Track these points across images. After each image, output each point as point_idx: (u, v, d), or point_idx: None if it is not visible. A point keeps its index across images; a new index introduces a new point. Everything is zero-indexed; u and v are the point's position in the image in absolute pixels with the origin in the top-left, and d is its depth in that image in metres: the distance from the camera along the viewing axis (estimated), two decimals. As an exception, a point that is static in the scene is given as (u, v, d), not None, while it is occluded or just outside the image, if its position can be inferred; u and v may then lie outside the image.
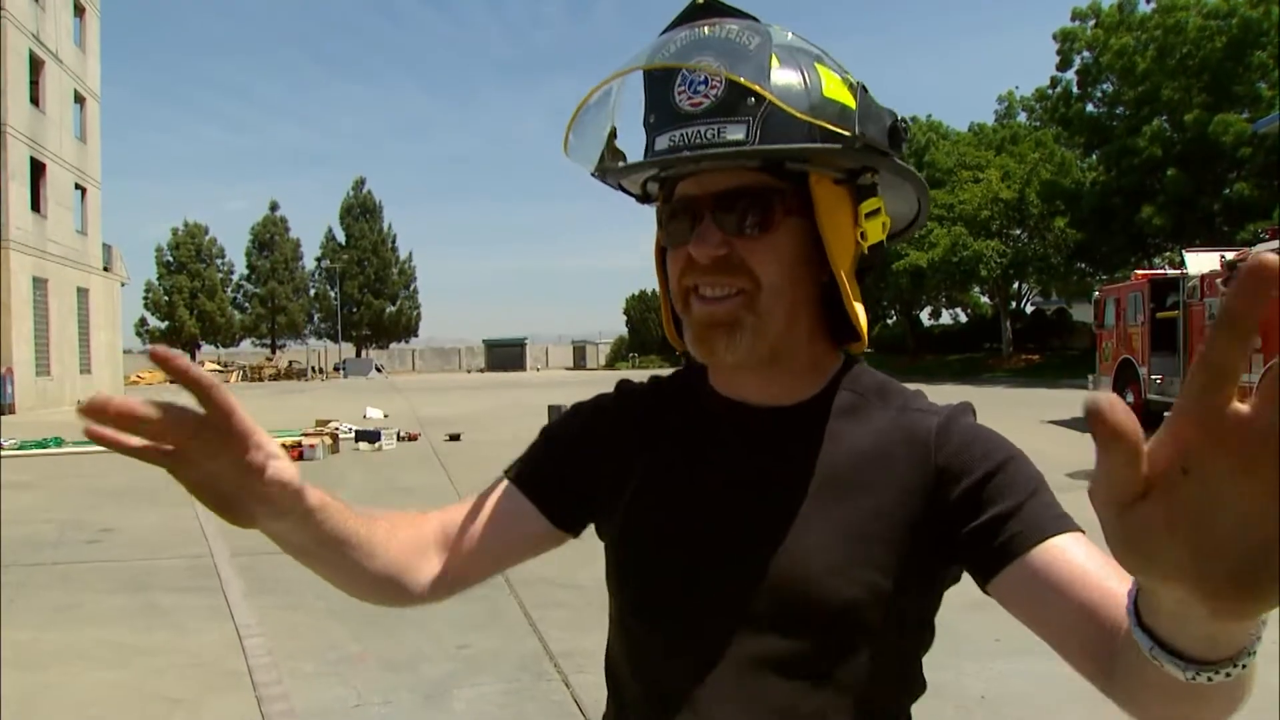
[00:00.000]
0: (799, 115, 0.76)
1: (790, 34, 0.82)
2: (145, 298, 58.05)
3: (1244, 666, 0.52)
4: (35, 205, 25.06)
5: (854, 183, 0.84)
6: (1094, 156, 30.99)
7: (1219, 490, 0.39)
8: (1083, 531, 0.76)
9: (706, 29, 0.79)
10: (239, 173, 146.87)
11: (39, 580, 5.84)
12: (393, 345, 65.20)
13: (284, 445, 12.64)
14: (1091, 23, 30.19)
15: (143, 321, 58.40)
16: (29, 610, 5.15)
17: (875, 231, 0.84)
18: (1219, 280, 11.59)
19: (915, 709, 0.91)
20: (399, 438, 14.03)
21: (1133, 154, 27.54)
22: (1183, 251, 14.01)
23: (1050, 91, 33.20)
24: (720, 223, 0.80)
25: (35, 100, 25.23)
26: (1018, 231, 33.73)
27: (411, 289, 64.76)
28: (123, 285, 33.05)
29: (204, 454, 0.68)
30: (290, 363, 55.61)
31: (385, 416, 18.39)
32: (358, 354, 61.64)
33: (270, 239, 61.63)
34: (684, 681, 0.83)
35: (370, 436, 13.55)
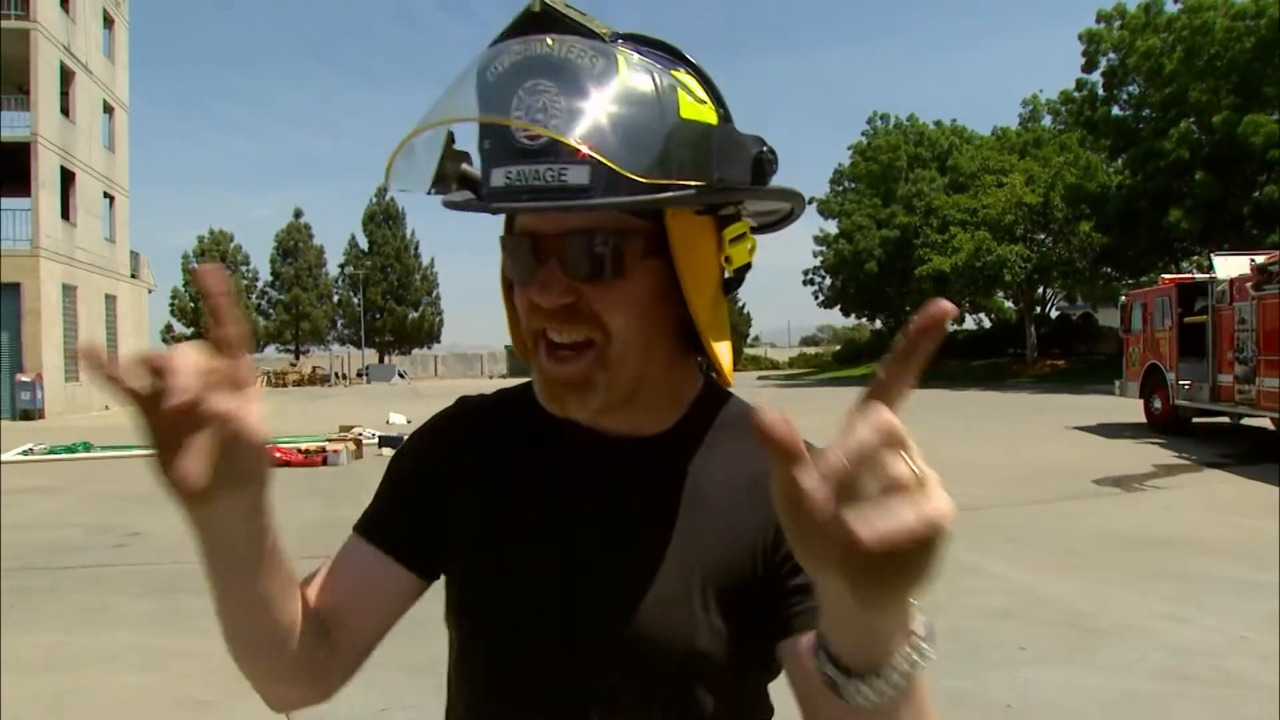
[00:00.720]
0: (640, 179, 0.67)
1: (641, 49, 0.73)
2: (171, 304, 58.80)
3: (893, 686, 0.54)
4: (65, 214, 25.47)
5: (716, 209, 0.78)
6: (1120, 160, 30.64)
7: (881, 490, 0.44)
8: None
9: (549, 43, 0.69)
10: (263, 181, 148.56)
11: (68, 584, 5.92)
12: (415, 351, 65.56)
13: (308, 450, 12.74)
14: (1117, 24, 29.88)
15: (169, 328, 59.09)
16: (59, 613, 5.22)
17: (741, 255, 0.80)
18: (1248, 284, 11.42)
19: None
20: (421, 443, 14.10)
21: (1160, 156, 27.21)
22: (1211, 255, 13.82)
23: (1076, 94, 32.89)
24: (567, 268, 0.74)
25: (66, 111, 25.66)
26: (1042, 236, 33.44)
27: (434, 295, 65.09)
28: (150, 292, 33.51)
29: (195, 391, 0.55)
30: (314, 368, 56.07)
31: (408, 422, 18.49)
32: (380, 360, 62.03)
33: (294, 246, 62.20)
34: (571, 709, 0.80)
35: (393, 442, 13.62)
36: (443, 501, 0.86)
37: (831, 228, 44.48)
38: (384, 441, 13.86)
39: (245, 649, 0.78)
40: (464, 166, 0.76)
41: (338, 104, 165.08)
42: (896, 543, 0.43)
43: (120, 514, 8.50)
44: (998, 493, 8.76)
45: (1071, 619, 4.80)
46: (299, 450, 12.59)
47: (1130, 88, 30.53)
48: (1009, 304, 43.33)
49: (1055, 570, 5.81)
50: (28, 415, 22.17)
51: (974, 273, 32.48)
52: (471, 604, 0.85)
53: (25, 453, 13.71)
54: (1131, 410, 15.10)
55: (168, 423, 0.56)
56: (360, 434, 14.67)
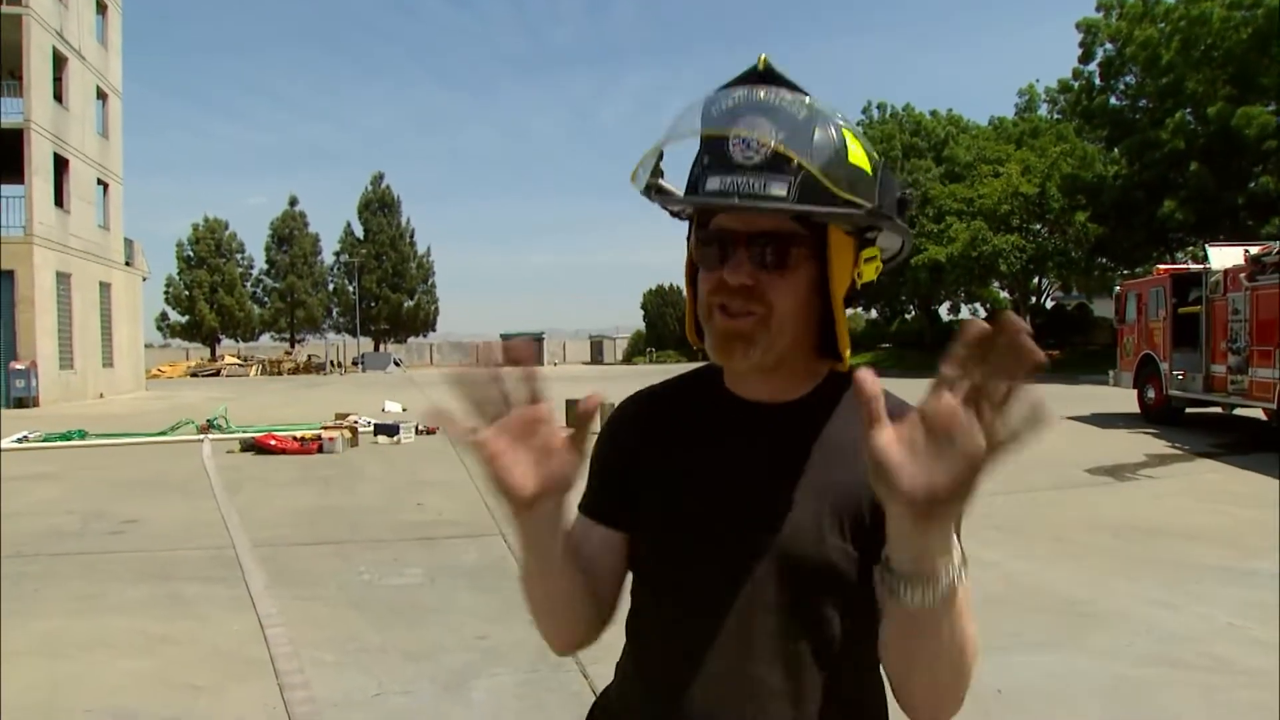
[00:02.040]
0: (831, 188, 0.92)
1: (829, 108, 0.97)
2: (166, 292, 58.62)
3: (942, 593, 0.77)
4: (59, 200, 25.35)
5: (861, 235, 1.02)
6: (1116, 150, 30.63)
7: (935, 450, 0.69)
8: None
9: (763, 93, 0.94)
10: (258, 168, 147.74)
11: (64, 570, 5.93)
12: (411, 339, 65.49)
13: (303, 438, 12.75)
14: (1115, 14, 29.84)
15: (164, 315, 58.95)
16: (54, 599, 5.23)
17: (869, 273, 1.04)
18: (1242, 275, 11.46)
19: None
20: (417, 431, 14.11)
21: (1155, 147, 27.22)
22: (1206, 246, 13.85)
23: (1073, 84, 32.86)
24: (751, 257, 0.96)
25: (59, 97, 25.49)
26: (1038, 226, 33.45)
27: (430, 283, 64.98)
28: (144, 280, 33.39)
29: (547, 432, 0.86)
30: (309, 357, 55.99)
31: (404, 410, 18.49)
32: (376, 348, 61.95)
33: (289, 234, 62.01)
34: (698, 625, 1.01)
35: (389, 430, 13.64)
36: (638, 475, 1.08)
37: (828, 217, 44.41)
38: (379, 429, 13.87)
39: (546, 615, 1.04)
40: (662, 181, 1.00)
41: (334, 91, 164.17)
42: (937, 492, 0.69)
43: (116, 501, 8.50)
44: (991, 481, 8.79)
45: (1063, 606, 4.84)
46: (295, 438, 12.59)
47: (1127, 78, 30.53)
48: (1004, 294, 43.38)
49: (1047, 558, 5.85)
50: (22, 403, 22.11)
51: (970, 263, 32.49)
52: (665, 541, 1.05)
53: (20, 440, 13.70)
54: (1125, 400, 15.17)
55: (500, 456, 0.84)
56: (356, 422, 14.67)
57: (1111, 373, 15.82)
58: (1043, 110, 39.68)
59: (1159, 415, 13.51)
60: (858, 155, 0.97)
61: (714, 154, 0.94)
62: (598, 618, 1.06)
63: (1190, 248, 28.90)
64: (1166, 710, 3.50)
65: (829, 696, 1.00)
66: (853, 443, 0.94)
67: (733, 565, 1.00)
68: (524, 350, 0.80)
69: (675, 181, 1.00)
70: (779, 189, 0.91)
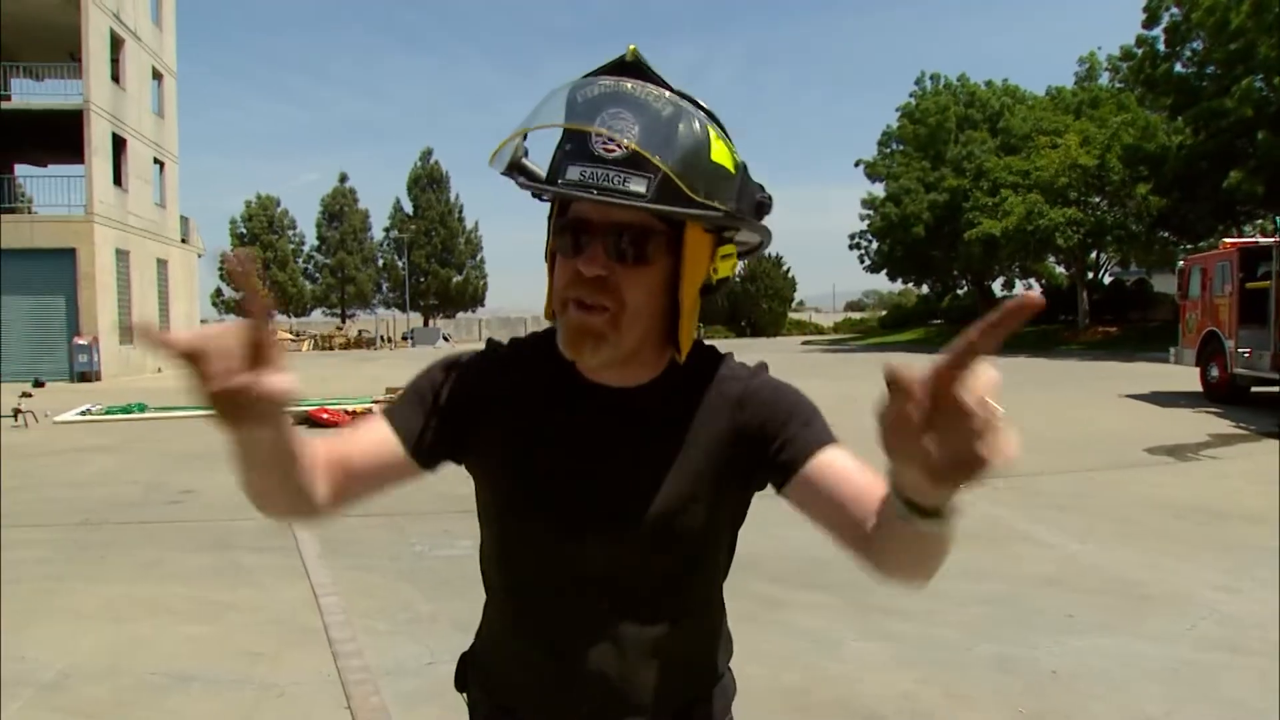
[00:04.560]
0: (687, 192, 0.93)
1: (695, 104, 0.99)
2: (220, 268, 59.80)
3: (948, 521, 0.80)
4: (117, 179, 25.96)
5: (719, 233, 1.05)
6: (1180, 119, 29.53)
7: (949, 421, 0.65)
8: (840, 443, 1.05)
9: (630, 85, 0.96)
10: (309, 146, 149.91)
11: (127, 538, 6.11)
12: (459, 315, 66.13)
13: (355, 411, 12.94)
14: (1181, -23, 28.65)
15: (218, 292, 60.27)
16: (118, 566, 5.40)
17: (725, 269, 1.08)
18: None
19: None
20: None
21: (1222, 115, 26.16)
22: (1276, 219, 13.32)
23: (1136, 51, 31.69)
24: (607, 249, 0.97)
25: (116, 78, 26.04)
26: (1097, 199, 32.50)
27: (478, 259, 65.46)
28: (199, 256, 34.14)
29: (236, 357, 0.76)
30: (360, 332, 56.87)
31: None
32: (425, 323, 62.70)
33: (340, 210, 62.87)
34: (588, 595, 1.09)
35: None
36: (473, 421, 1.10)
37: (879, 191, 43.73)
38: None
39: (251, 490, 0.96)
40: (525, 160, 1.01)
41: (383, 69, 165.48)
42: (957, 464, 0.66)
43: (175, 472, 8.74)
44: (1048, 460, 8.62)
45: (1121, 587, 4.72)
46: (346, 411, 12.81)
47: (1194, 44, 29.32)
48: (1060, 270, 42.33)
49: (1105, 538, 5.71)
50: (85, 377, 22.83)
51: (1025, 237, 31.73)
52: (505, 504, 1.12)
53: (84, 413, 14.14)
54: (1187, 379, 14.72)
55: (214, 373, 0.77)
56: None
57: (1173, 350, 15.34)
58: (1104, 79, 38.46)
59: (1223, 394, 13.08)
60: (720, 154, 0.98)
61: (575, 142, 0.96)
62: (312, 506, 1.01)
63: (1259, 220, 27.83)
64: (1228, 696, 3.39)
65: (684, 635, 1.13)
66: (699, 415, 1.08)
67: (584, 527, 1.08)
68: (239, 262, 0.77)
69: (540, 160, 1.01)
70: (638, 185, 0.92)
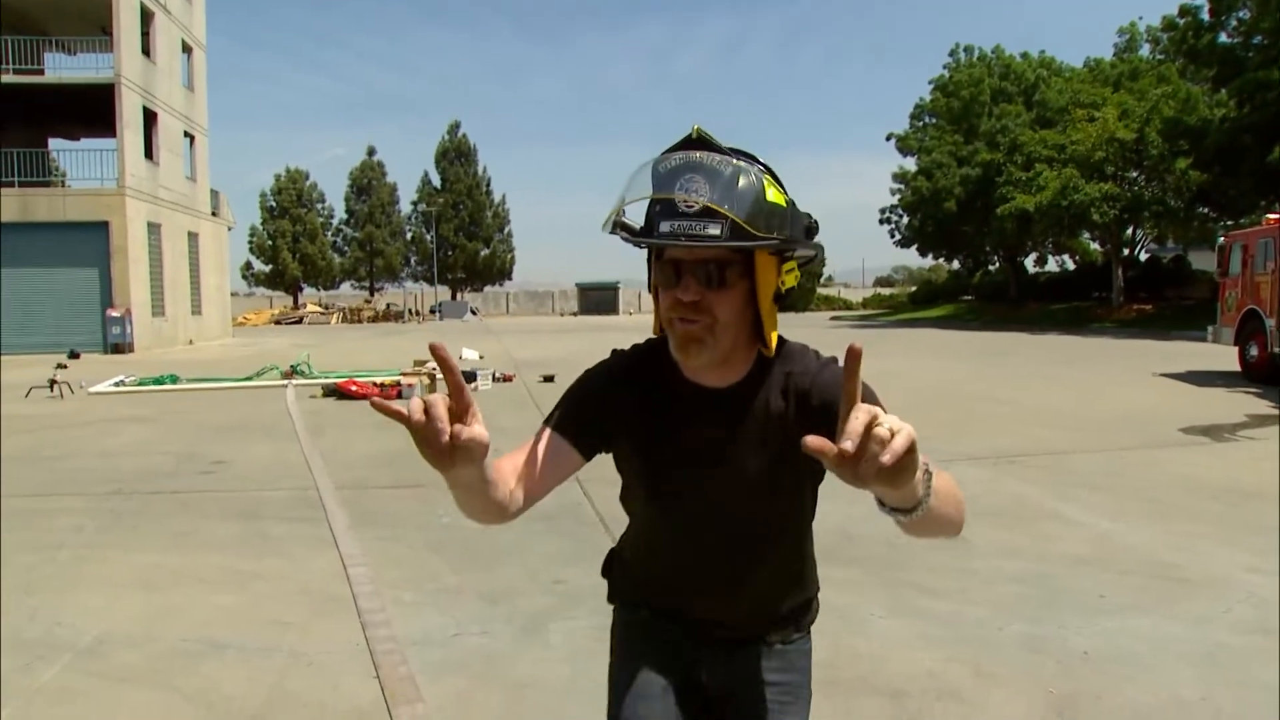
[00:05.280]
0: (750, 230, 1.25)
1: (753, 159, 1.32)
2: (250, 242, 60.42)
3: (922, 510, 1.12)
4: (148, 153, 26.19)
5: (781, 254, 1.37)
6: (1224, 91, 28.74)
7: (864, 450, 0.98)
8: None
9: (698, 155, 1.27)
10: (338, 120, 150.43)
11: (159, 508, 6.20)
12: (487, 288, 66.33)
13: (383, 384, 13.07)
14: (1227, -56, 27.78)
15: (248, 265, 60.88)
16: (152, 535, 5.48)
17: (790, 280, 1.40)
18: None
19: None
20: (494, 379, 14.31)
21: (1269, 88, 25.44)
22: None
23: (1179, 20, 30.84)
24: (697, 279, 1.31)
25: (146, 51, 26.20)
26: (1134, 174, 31.81)
27: (505, 232, 65.47)
28: (229, 230, 34.45)
29: (445, 421, 1.07)
30: (388, 305, 57.27)
31: (481, 358, 18.77)
32: (453, 297, 62.97)
33: (368, 183, 63.08)
34: (696, 556, 1.51)
35: (467, 377, 13.78)
36: (614, 417, 1.44)
37: (910, 165, 43.09)
38: (456, 377, 14.07)
39: (461, 506, 1.31)
40: (624, 219, 1.33)
41: (412, 42, 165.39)
42: (890, 463, 0.97)
43: (206, 443, 8.85)
44: (1079, 439, 8.50)
45: (1154, 569, 4.64)
46: (375, 384, 12.91)
47: (1240, 13, 28.48)
48: (1094, 245, 41.59)
49: (1138, 518, 5.62)
50: (118, 349, 23.21)
51: (1059, 212, 31.15)
52: (638, 480, 1.51)
53: (118, 384, 14.36)
54: (1224, 358, 14.43)
55: (428, 436, 1.07)
56: (434, 369, 14.95)
57: (1211, 328, 15.02)
58: (1144, 51, 37.52)
59: (1262, 374, 12.81)
60: (774, 195, 1.30)
61: (664, 204, 1.27)
62: (510, 511, 1.35)
63: (1301, 196, 27.13)
64: (1264, 681, 3.32)
65: (777, 567, 1.53)
66: (779, 403, 1.41)
67: (707, 496, 1.45)
68: (439, 350, 1.09)
69: (634, 217, 1.34)
70: (715, 229, 1.24)
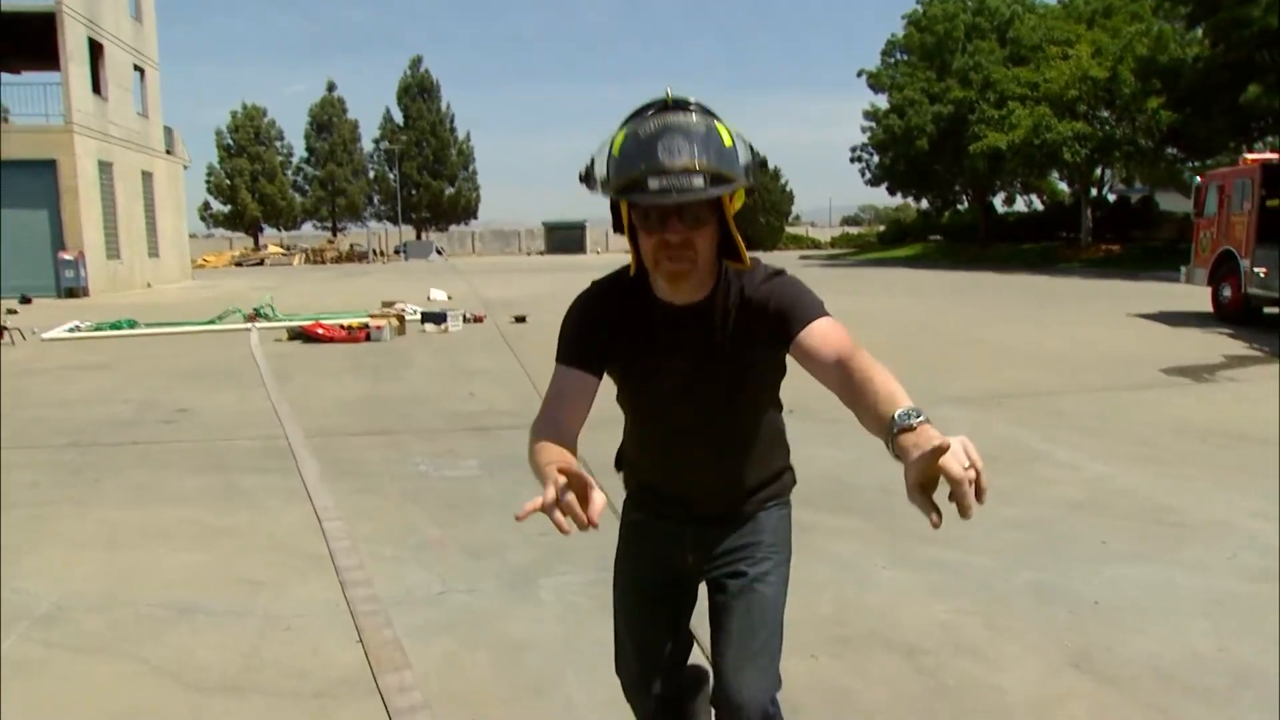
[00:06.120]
0: (728, 177, 1.48)
1: (710, 114, 1.54)
2: (208, 181, 58.52)
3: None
4: (96, 88, 24.99)
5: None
6: (1200, 30, 28.48)
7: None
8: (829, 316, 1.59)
9: (673, 117, 1.49)
10: (296, 55, 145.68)
11: (120, 460, 5.90)
12: (452, 228, 65.09)
13: (351, 326, 12.69)
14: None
15: (206, 205, 59.11)
16: (112, 490, 5.20)
17: (739, 200, 1.59)
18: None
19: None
20: (465, 320, 13.98)
21: (1244, 25, 25.20)
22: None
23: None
24: (684, 222, 1.51)
25: (90, -24, 24.81)
26: (1105, 113, 31.66)
27: (470, 170, 64.07)
28: (185, 169, 33.24)
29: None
30: (351, 245, 56.01)
31: (449, 298, 18.38)
32: (418, 236, 61.78)
33: (328, 121, 61.18)
34: (677, 446, 1.77)
35: (436, 318, 13.51)
36: (607, 337, 1.66)
37: (882, 102, 42.59)
38: (426, 317, 13.76)
39: None
40: (635, 192, 1.51)
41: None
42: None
43: (168, 391, 8.50)
44: (1062, 380, 8.44)
45: (1153, 514, 4.56)
46: (342, 326, 12.53)
47: (1215, -53, 28.07)
48: (1063, 186, 41.63)
49: (1130, 461, 5.55)
50: (73, 293, 22.37)
51: (1031, 151, 30.99)
52: (633, 394, 1.76)
53: (73, 330, 13.83)
54: (1195, 299, 14.49)
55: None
56: (403, 310, 14.57)
57: (1184, 269, 15.04)
58: (1118, -14, 37.07)
59: (1234, 315, 12.85)
60: (728, 139, 1.50)
61: (649, 161, 1.45)
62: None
63: (1271, 137, 27.21)
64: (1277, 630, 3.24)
65: (748, 456, 1.79)
66: (741, 312, 1.62)
67: (679, 395, 1.70)
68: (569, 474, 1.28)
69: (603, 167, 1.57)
70: (699, 181, 1.45)
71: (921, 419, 1.28)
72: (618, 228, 1.60)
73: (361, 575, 3.83)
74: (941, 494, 1.20)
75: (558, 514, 1.22)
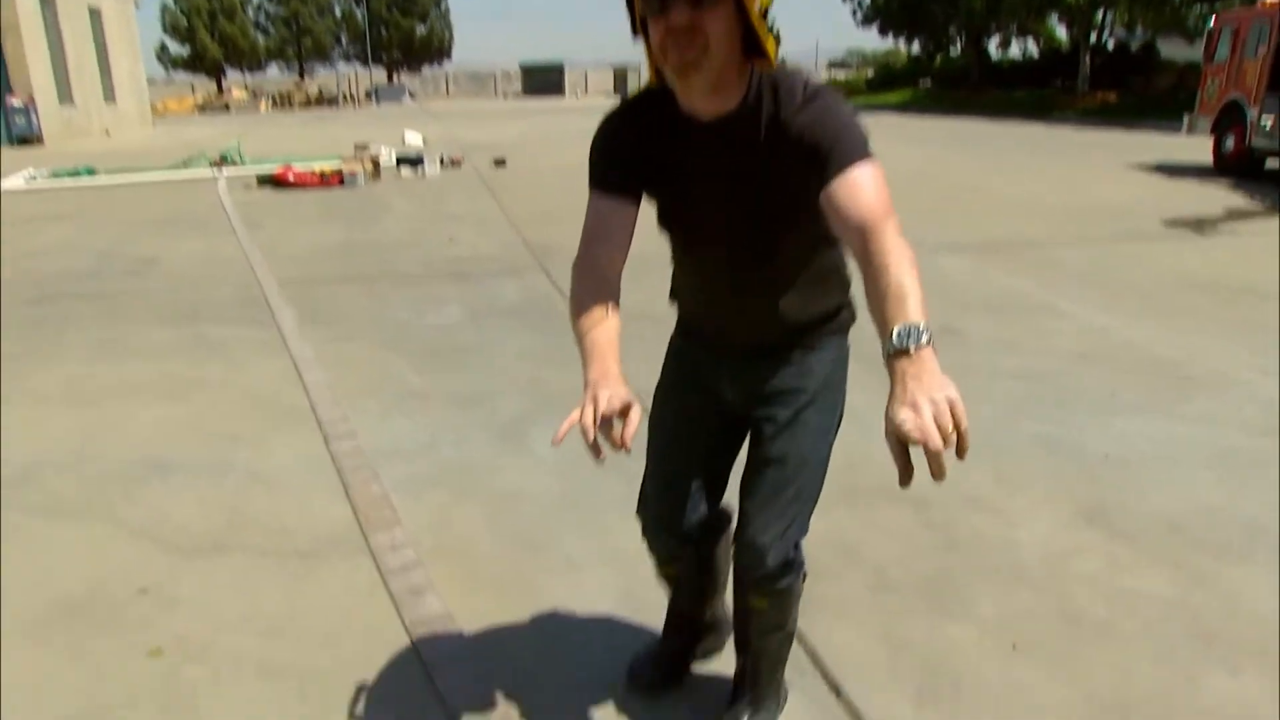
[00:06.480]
0: None
1: None
2: (162, 20, 55.07)
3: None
4: (30, -92, 22.89)
5: None
6: None
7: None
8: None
9: None
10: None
11: (83, 312, 5.63)
12: (425, 70, 62.25)
13: (324, 172, 12.13)
14: None
15: (163, 47, 55.83)
16: (77, 344, 4.95)
17: None
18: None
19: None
20: (442, 163, 13.43)
21: None
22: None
23: None
24: (689, 3, 1.33)
25: None
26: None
27: (442, 8, 60.65)
28: (137, 7, 31.06)
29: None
30: (320, 89, 53.49)
31: (424, 142, 17.65)
32: (389, 80, 59.10)
33: (288, -48, 57.15)
34: (711, 275, 1.66)
35: (413, 162, 12.96)
36: (639, 157, 1.53)
37: (877, -63, 40.17)
38: (402, 161, 13.19)
39: None
40: None
41: None
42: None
43: (131, 241, 8.12)
44: (1061, 230, 8.22)
45: (1158, 366, 4.45)
46: (315, 171, 11.97)
47: None
48: (1061, 33, 40.00)
49: (1134, 313, 5.41)
50: (25, 141, 21.20)
51: (1032, -9, 29.51)
52: (667, 220, 1.62)
53: (29, 180, 13.15)
54: (1194, 150, 14.07)
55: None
56: (378, 153, 13.95)
57: (1187, 117, 14.47)
58: None
59: (1234, 167, 12.47)
60: None
61: None
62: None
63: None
64: (1290, 484, 3.17)
65: (785, 291, 1.62)
66: (777, 130, 1.41)
67: (711, 218, 1.55)
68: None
69: None
70: None
71: (921, 342, 1.13)
72: (635, 30, 1.45)
73: (345, 428, 3.67)
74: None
75: (593, 436, 1.21)
